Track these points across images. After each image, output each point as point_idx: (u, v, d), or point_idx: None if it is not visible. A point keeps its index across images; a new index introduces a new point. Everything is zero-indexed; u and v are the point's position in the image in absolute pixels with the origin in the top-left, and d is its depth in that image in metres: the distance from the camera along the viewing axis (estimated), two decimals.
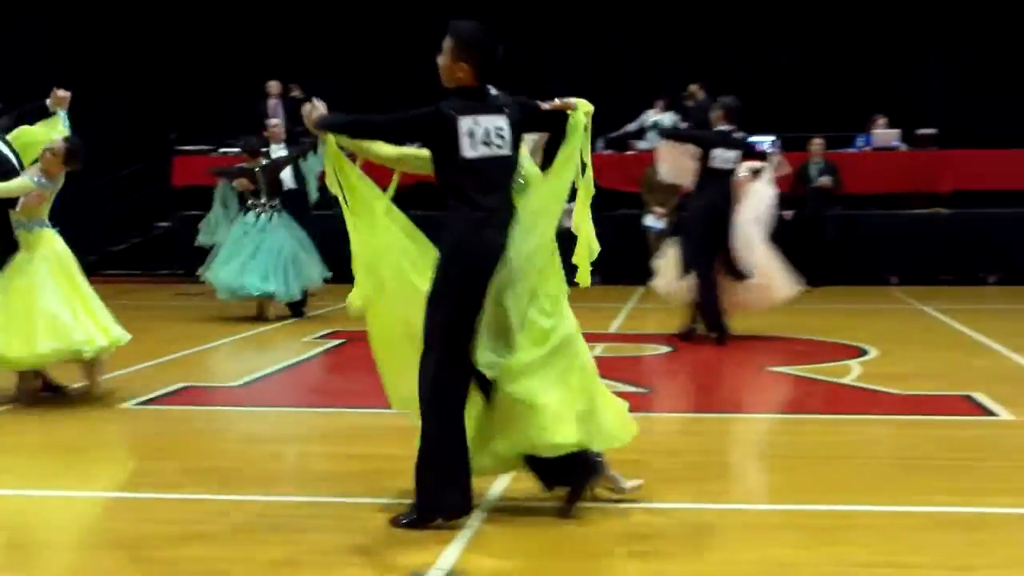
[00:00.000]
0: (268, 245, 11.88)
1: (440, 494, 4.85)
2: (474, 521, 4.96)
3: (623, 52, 19.21)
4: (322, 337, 10.87)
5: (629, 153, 16.76)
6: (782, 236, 15.43)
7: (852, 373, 8.82)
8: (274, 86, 17.20)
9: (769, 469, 6.35)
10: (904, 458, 6.35)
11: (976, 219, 15.98)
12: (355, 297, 5.09)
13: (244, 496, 5.51)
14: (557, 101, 5.00)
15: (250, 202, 12.09)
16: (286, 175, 12.28)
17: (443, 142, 4.78)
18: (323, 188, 6.62)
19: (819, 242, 15.43)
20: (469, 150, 4.75)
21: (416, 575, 4.36)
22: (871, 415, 7.45)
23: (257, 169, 12.02)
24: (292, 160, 12.20)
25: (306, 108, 5.06)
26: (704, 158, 10.22)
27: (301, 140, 12.50)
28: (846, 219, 15.88)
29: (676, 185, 15.53)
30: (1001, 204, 16.22)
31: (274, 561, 4.53)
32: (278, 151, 12.38)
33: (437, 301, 4.78)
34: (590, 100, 5.04)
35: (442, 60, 4.90)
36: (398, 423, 5.63)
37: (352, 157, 5.11)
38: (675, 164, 10.73)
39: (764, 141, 10.85)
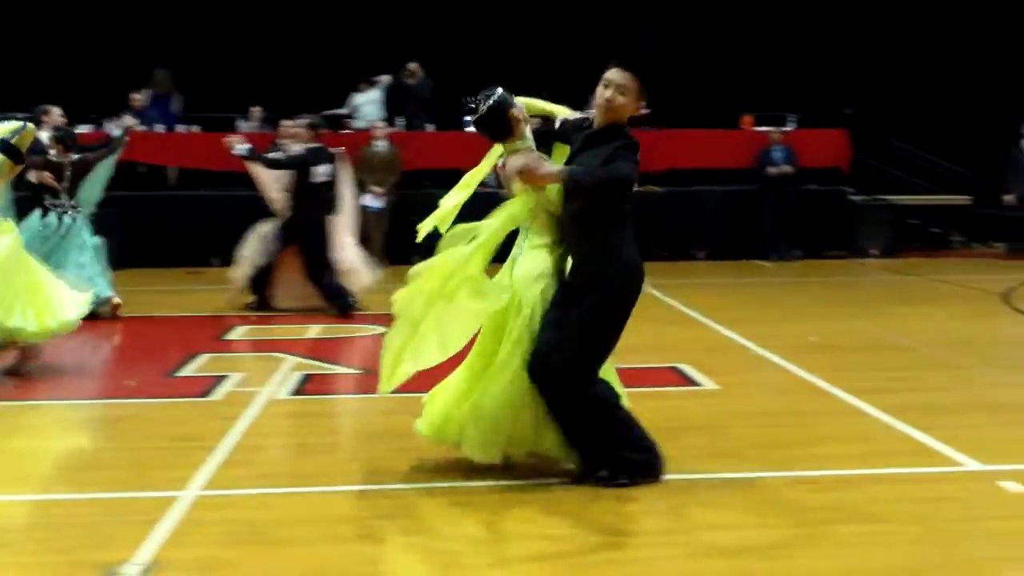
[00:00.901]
0: (75, 249, 10.51)
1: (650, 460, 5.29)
2: (173, 514, 4.82)
3: (331, 31, 18.97)
4: None
5: (344, 133, 16.61)
6: None
7: None
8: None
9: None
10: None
11: (686, 197, 16.72)
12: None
13: None
14: None
15: (48, 201, 10.61)
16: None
17: None
18: None
19: None
20: None
21: (112, 572, 4.17)
22: None
23: (68, 163, 10.68)
24: (101, 159, 11.17)
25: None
26: (305, 175, 10.85)
27: (112, 141, 11.61)
28: None
29: (395, 164, 15.62)
30: (710, 182, 17.04)
31: None
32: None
33: (608, 313, 5.14)
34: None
35: (622, 99, 5.12)
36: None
37: None
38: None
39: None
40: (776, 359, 8.52)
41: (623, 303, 5.19)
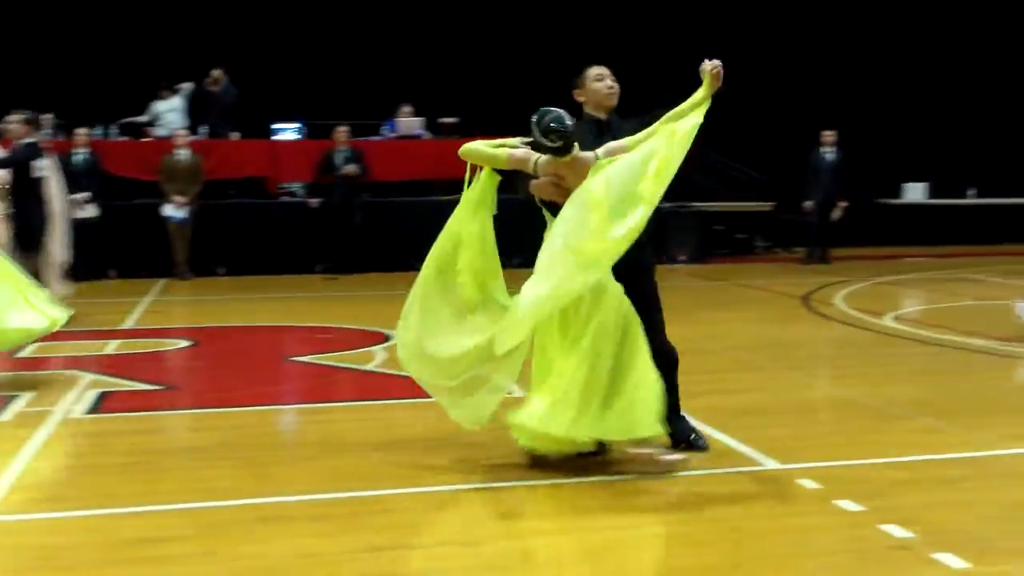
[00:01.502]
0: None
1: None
2: None
3: (133, 36, 18.46)
4: None
5: (145, 140, 16.20)
6: (310, 224, 15.73)
7: (376, 359, 9.00)
8: None
9: (293, 460, 6.30)
10: (421, 439, 6.53)
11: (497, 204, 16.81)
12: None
13: None
14: None
15: None
16: None
17: None
18: None
19: (348, 230, 15.68)
20: None
21: None
22: (397, 399, 7.60)
23: None
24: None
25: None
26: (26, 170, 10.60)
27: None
28: (374, 206, 16.21)
29: (197, 173, 15.30)
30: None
31: None
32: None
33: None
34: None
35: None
36: None
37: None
38: None
39: None
40: None
41: None
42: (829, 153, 17.23)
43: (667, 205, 17.55)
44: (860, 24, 21.07)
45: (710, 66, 5.77)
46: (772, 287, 14.13)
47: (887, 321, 11.06)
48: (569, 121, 5.56)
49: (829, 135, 17.18)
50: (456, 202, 6.04)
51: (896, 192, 20.25)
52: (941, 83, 21.21)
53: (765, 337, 10.37)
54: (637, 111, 6.00)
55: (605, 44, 19.39)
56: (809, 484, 5.42)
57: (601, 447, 5.79)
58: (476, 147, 5.93)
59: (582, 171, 5.56)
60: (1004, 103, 21.45)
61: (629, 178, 5.46)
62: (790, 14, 20.56)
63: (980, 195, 21.05)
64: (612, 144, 5.67)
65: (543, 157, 5.68)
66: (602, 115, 5.97)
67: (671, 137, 5.58)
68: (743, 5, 20.43)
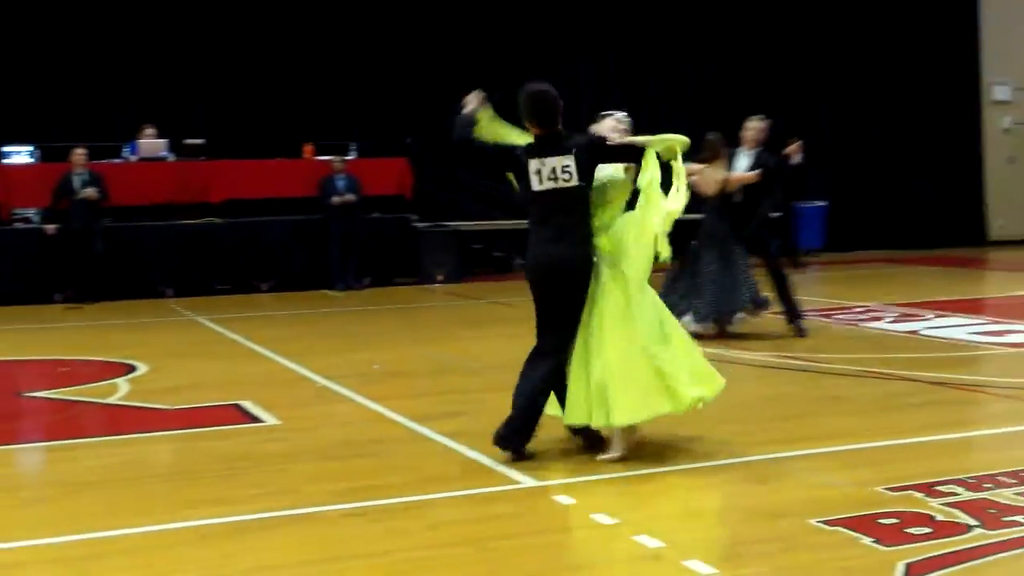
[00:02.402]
0: None
1: None
2: None
3: None
4: None
5: None
6: (48, 251, 15.10)
7: (119, 392, 8.70)
8: None
9: (24, 503, 6.01)
10: (175, 474, 6.38)
11: (248, 228, 16.59)
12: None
13: None
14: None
15: None
16: None
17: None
18: None
19: (88, 256, 15.14)
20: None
21: None
22: (143, 433, 7.37)
23: None
24: None
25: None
26: None
27: None
28: (116, 231, 15.71)
29: None
30: (270, 212, 17.00)
31: None
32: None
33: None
34: None
35: None
36: None
37: None
38: None
39: None
40: (342, 390, 8.60)
41: None
42: None
43: (423, 225, 17.69)
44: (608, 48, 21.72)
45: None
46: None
47: None
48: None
49: None
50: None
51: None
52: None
53: (521, 355, 10.41)
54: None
55: (350, 69, 19.42)
56: (564, 499, 5.52)
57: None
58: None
59: None
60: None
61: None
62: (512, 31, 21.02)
63: None
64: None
65: None
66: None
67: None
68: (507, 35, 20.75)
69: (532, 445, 6.35)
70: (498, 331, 12.27)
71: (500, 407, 7.88)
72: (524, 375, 6.44)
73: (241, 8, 18.86)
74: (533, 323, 6.53)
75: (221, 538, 5.08)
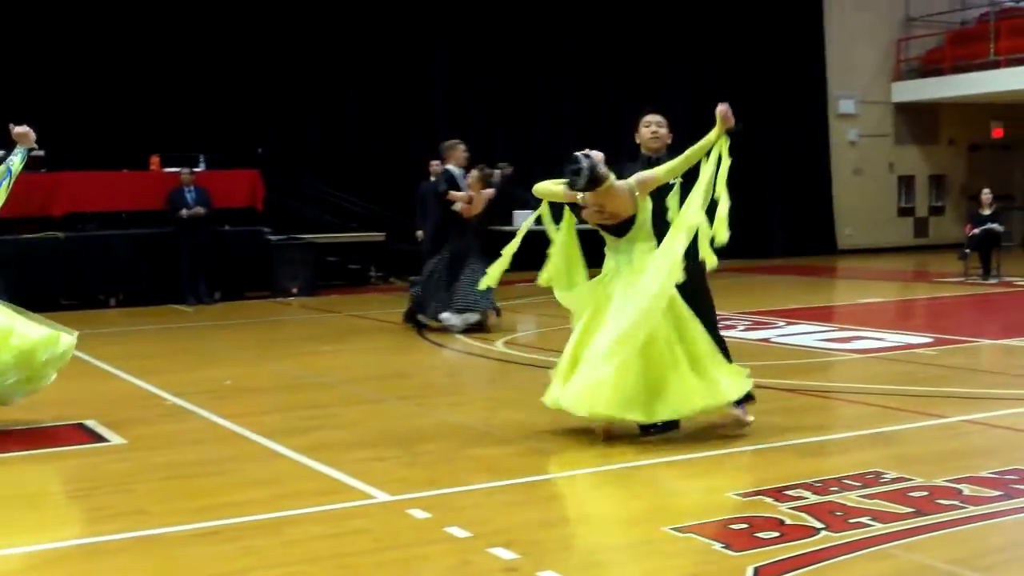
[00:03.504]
0: None
1: None
2: None
3: None
4: None
5: None
6: None
7: None
8: None
9: None
10: (14, 497, 6.19)
11: (94, 242, 16.22)
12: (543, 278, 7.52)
13: None
14: None
15: None
16: None
17: None
18: None
19: None
20: None
21: None
22: None
23: None
24: None
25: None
26: None
27: None
28: None
29: None
30: (121, 226, 16.66)
31: None
32: None
33: None
34: None
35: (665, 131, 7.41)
36: None
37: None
38: None
39: None
40: (191, 407, 8.47)
41: None
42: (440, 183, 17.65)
43: (276, 237, 17.53)
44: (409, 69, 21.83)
45: (722, 108, 7.05)
46: (387, 317, 14.34)
47: (499, 346, 11.47)
48: (583, 163, 6.80)
49: (435, 165, 17.55)
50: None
51: (508, 219, 21.02)
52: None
53: (377, 368, 10.52)
54: None
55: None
56: (419, 514, 5.53)
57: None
58: (546, 186, 7.33)
59: (618, 198, 6.94)
60: (593, 134, 22.82)
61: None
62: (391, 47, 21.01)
63: (581, 221, 22.14)
64: (642, 174, 7.02)
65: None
66: (651, 153, 7.32)
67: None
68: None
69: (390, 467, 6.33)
70: (353, 345, 12.24)
71: (355, 421, 7.91)
72: None
73: (82, 13, 18.40)
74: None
75: (65, 564, 4.96)
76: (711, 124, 7.07)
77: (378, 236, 19.25)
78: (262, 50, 19.70)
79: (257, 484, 6.25)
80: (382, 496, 5.89)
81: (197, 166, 17.14)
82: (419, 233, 17.68)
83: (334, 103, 20.37)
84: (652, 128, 7.40)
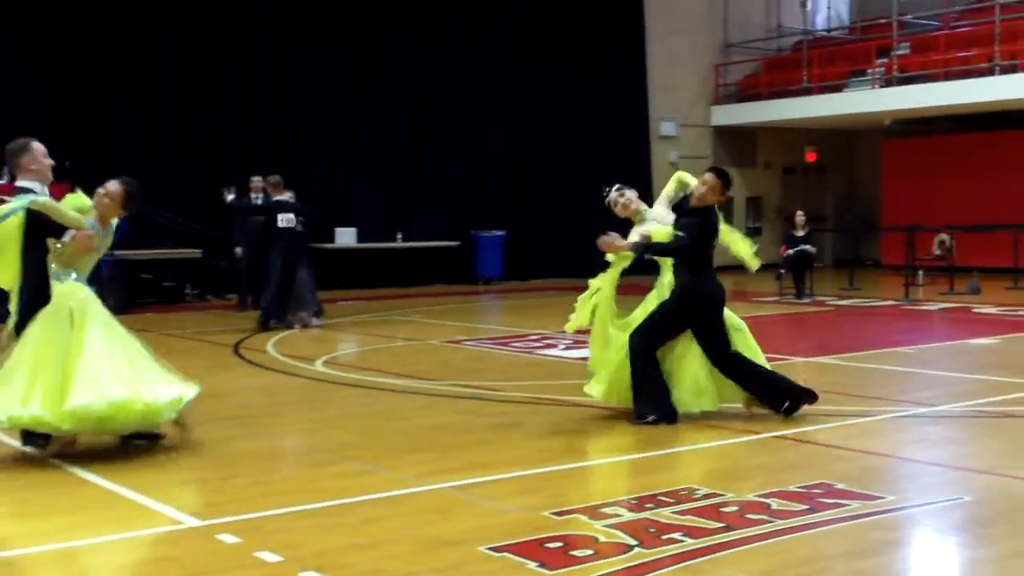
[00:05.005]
0: None
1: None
2: None
3: None
4: None
5: None
6: None
7: None
8: None
9: None
10: None
11: None
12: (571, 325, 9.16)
13: None
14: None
15: None
16: None
17: None
18: None
19: None
20: None
21: None
22: None
23: None
24: None
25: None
26: None
27: None
28: None
29: None
30: None
31: None
32: None
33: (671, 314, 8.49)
34: None
35: (703, 190, 8.35)
36: None
37: None
38: None
39: None
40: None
41: (683, 313, 8.39)
42: (258, 199, 17.39)
43: None
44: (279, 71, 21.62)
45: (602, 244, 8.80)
46: (203, 336, 14.05)
47: (318, 366, 11.34)
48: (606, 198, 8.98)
49: (256, 181, 17.31)
50: None
51: (330, 237, 20.88)
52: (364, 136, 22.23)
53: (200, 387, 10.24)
54: None
55: None
56: (229, 539, 5.41)
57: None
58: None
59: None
60: (419, 154, 22.89)
61: None
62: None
63: (406, 239, 22.23)
64: (641, 229, 8.68)
65: None
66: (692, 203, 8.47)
67: None
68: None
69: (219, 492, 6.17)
70: (172, 364, 11.90)
71: (163, 448, 7.67)
72: (745, 374, 8.28)
73: None
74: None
75: None
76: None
77: (194, 253, 18.88)
78: (68, 59, 19.17)
79: (61, 511, 6.02)
80: (191, 522, 5.75)
81: (1, 179, 16.53)
82: (238, 250, 17.46)
83: (147, 115, 19.92)
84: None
